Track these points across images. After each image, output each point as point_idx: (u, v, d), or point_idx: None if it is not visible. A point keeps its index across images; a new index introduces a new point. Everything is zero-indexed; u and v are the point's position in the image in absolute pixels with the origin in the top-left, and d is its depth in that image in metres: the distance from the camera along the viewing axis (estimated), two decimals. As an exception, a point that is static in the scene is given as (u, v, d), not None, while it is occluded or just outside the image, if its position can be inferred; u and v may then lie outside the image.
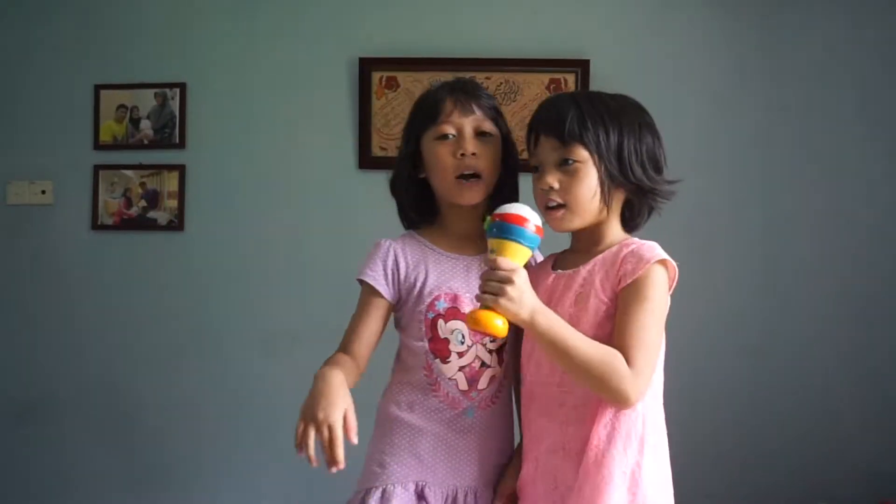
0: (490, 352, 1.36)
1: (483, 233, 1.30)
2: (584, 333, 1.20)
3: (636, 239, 1.27)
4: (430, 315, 1.34)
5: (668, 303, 1.25)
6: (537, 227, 1.16)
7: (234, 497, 2.60)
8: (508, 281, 1.12)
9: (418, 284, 1.36)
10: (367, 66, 2.59)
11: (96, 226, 2.69)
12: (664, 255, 1.22)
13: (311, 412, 1.15)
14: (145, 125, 2.67)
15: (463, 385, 1.34)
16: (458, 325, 1.34)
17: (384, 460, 1.34)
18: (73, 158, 2.69)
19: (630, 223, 1.32)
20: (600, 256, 1.26)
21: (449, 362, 1.34)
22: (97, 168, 2.69)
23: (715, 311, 2.53)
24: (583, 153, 1.24)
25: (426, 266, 1.37)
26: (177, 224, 2.66)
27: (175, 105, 2.66)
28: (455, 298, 1.35)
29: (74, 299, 2.69)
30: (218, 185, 2.65)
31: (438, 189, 1.39)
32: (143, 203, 2.67)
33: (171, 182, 2.66)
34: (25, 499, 2.69)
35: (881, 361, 2.51)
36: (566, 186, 1.25)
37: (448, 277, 1.36)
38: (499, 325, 1.13)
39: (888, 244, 2.52)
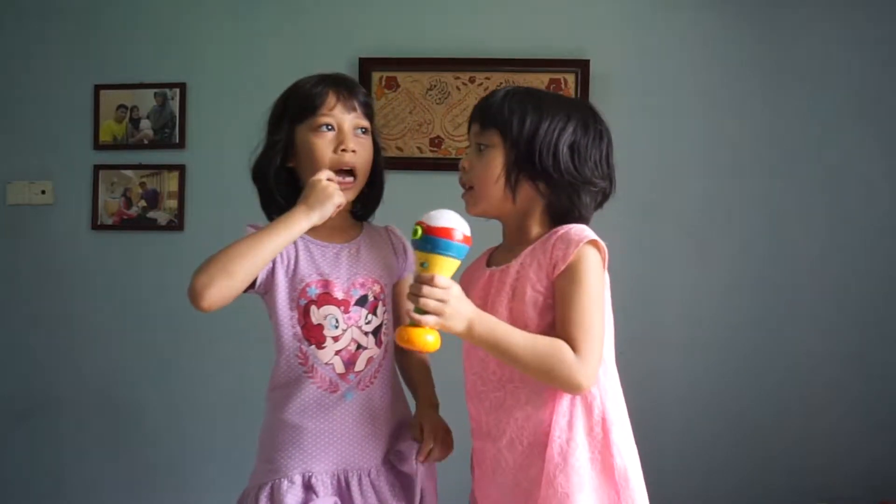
0: (366, 333, 1.36)
1: (351, 224, 1.38)
2: (526, 326, 1.21)
3: (567, 225, 1.26)
4: (303, 302, 1.34)
5: (607, 280, 1.26)
6: (465, 236, 1.15)
7: (234, 497, 2.59)
8: (445, 300, 1.13)
9: (289, 272, 1.35)
10: (367, 66, 2.59)
11: (96, 226, 2.69)
12: (593, 236, 1.22)
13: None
14: (145, 125, 2.68)
15: (340, 368, 1.34)
16: (332, 310, 1.34)
17: (271, 456, 1.35)
18: (73, 158, 2.69)
19: (559, 220, 1.30)
20: (529, 248, 1.27)
21: (324, 347, 1.34)
22: (97, 168, 2.69)
23: (715, 312, 2.53)
24: (495, 138, 1.28)
25: (296, 253, 1.36)
26: (177, 224, 2.66)
27: (175, 105, 2.66)
28: (326, 284, 1.35)
29: (74, 299, 2.69)
30: (218, 185, 2.64)
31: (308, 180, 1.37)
32: (143, 203, 2.67)
33: (171, 182, 2.67)
34: (25, 499, 2.69)
35: (881, 361, 2.51)
36: (474, 169, 1.30)
37: (319, 264, 1.36)
38: (429, 341, 1.13)
39: (888, 244, 2.51)
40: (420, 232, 1.14)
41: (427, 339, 1.13)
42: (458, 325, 1.15)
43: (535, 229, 1.30)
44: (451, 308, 1.14)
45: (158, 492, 2.65)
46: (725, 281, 2.54)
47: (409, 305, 1.19)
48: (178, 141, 2.66)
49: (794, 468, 2.49)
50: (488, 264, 1.35)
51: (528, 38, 2.57)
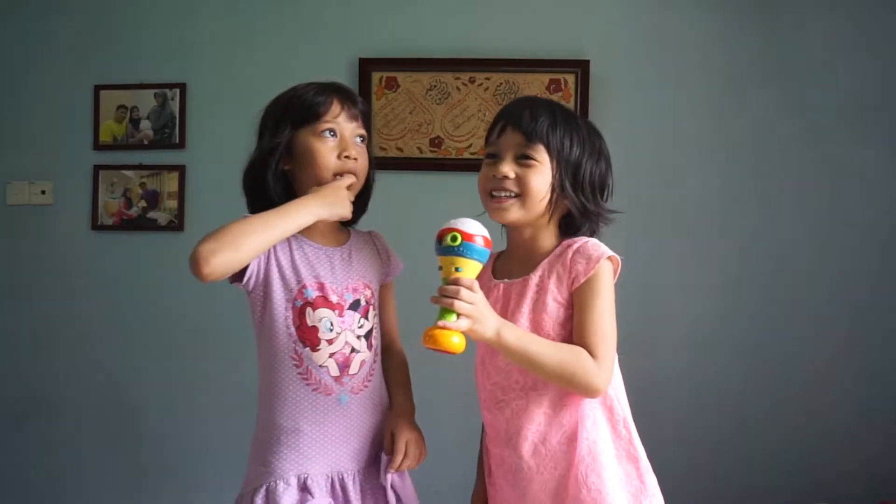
0: (359, 337, 1.38)
1: (339, 228, 1.41)
2: (548, 335, 1.26)
3: (580, 238, 1.32)
4: (299, 303, 1.36)
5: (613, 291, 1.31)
6: (489, 240, 1.19)
7: (233, 497, 2.59)
8: (477, 303, 1.16)
9: (285, 270, 1.37)
10: (367, 67, 2.59)
11: (96, 226, 2.69)
12: (609, 252, 1.28)
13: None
14: (145, 125, 2.68)
15: (334, 371, 1.36)
16: (326, 313, 1.36)
17: (266, 459, 1.36)
18: (73, 158, 2.70)
19: (568, 235, 1.35)
20: (546, 261, 1.31)
21: (319, 350, 1.35)
22: (97, 168, 2.69)
23: (714, 311, 2.53)
24: (544, 155, 1.29)
25: (291, 252, 1.38)
26: (177, 224, 2.66)
27: (175, 105, 2.66)
28: (322, 287, 1.37)
29: (74, 299, 2.69)
30: (218, 185, 2.62)
31: (308, 183, 1.39)
32: (143, 203, 2.67)
33: (171, 182, 2.67)
34: (25, 499, 2.69)
35: (880, 361, 2.51)
36: (522, 177, 1.29)
37: (314, 266, 1.39)
38: (456, 343, 1.14)
39: (886, 244, 2.52)
40: (460, 238, 1.17)
41: (454, 340, 1.14)
42: (489, 330, 1.18)
43: (548, 241, 1.34)
44: (480, 312, 1.16)
45: (158, 492, 2.65)
46: (725, 280, 2.54)
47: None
48: (178, 141, 2.66)
49: (794, 468, 2.49)
50: (496, 276, 1.37)
51: (528, 38, 2.58)
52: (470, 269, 1.17)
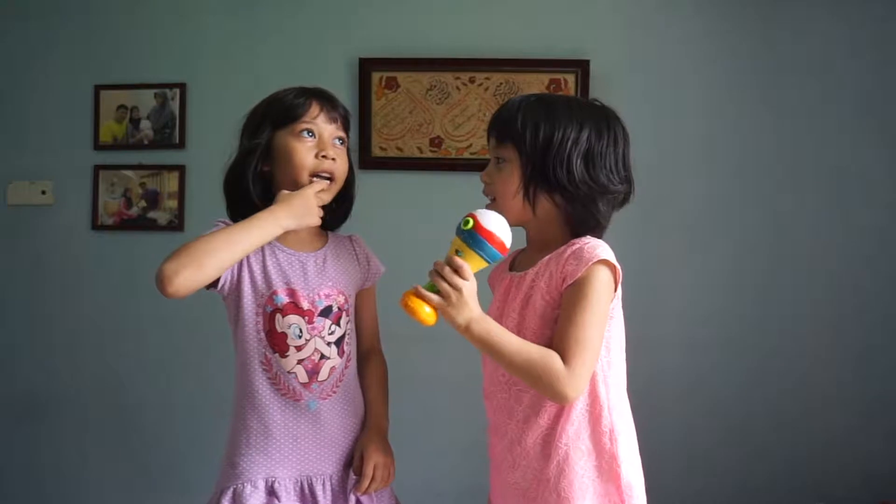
0: (329, 344, 1.38)
1: (317, 234, 1.41)
2: (531, 333, 1.24)
3: (584, 239, 1.26)
4: (269, 309, 1.36)
5: (612, 299, 1.25)
6: (503, 245, 1.20)
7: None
8: (459, 289, 1.17)
9: (256, 276, 1.37)
10: (367, 66, 2.59)
11: (96, 226, 2.69)
12: (606, 256, 1.22)
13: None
14: (145, 125, 2.68)
15: (303, 378, 1.36)
16: (296, 319, 1.36)
17: (235, 461, 1.37)
18: (73, 158, 2.70)
19: (578, 229, 1.30)
20: (545, 259, 1.28)
21: (287, 356, 1.36)
22: (97, 168, 2.69)
23: (714, 312, 2.54)
24: (511, 152, 1.28)
25: (263, 258, 1.39)
26: (177, 224, 2.66)
27: (175, 105, 2.66)
28: (292, 293, 1.37)
29: (74, 299, 2.69)
30: (218, 185, 2.62)
31: (286, 185, 1.39)
32: (143, 203, 2.67)
33: (171, 182, 2.67)
34: (25, 498, 2.69)
35: (881, 361, 2.51)
36: (494, 182, 1.31)
37: (286, 272, 1.39)
38: (426, 312, 1.18)
39: (887, 244, 2.52)
40: (472, 224, 1.19)
41: (425, 309, 1.18)
42: (459, 317, 1.18)
43: (556, 238, 1.30)
44: (458, 299, 1.17)
45: (158, 492, 2.65)
46: (725, 281, 2.54)
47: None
48: (178, 141, 2.66)
49: (794, 468, 2.49)
50: (511, 268, 1.37)
51: (528, 38, 2.58)
52: (470, 258, 1.19)
